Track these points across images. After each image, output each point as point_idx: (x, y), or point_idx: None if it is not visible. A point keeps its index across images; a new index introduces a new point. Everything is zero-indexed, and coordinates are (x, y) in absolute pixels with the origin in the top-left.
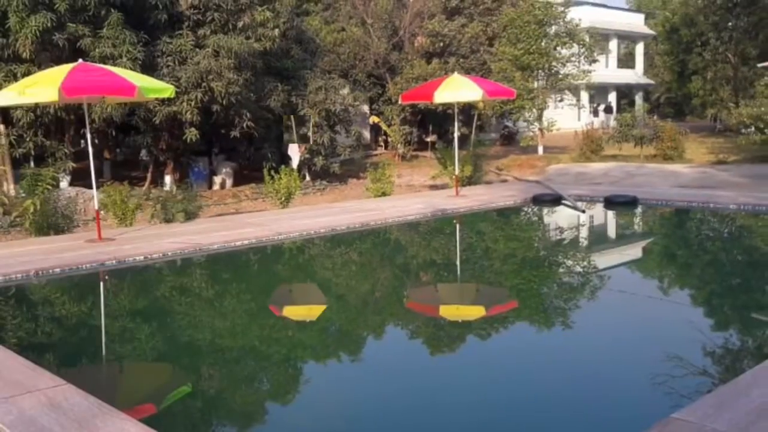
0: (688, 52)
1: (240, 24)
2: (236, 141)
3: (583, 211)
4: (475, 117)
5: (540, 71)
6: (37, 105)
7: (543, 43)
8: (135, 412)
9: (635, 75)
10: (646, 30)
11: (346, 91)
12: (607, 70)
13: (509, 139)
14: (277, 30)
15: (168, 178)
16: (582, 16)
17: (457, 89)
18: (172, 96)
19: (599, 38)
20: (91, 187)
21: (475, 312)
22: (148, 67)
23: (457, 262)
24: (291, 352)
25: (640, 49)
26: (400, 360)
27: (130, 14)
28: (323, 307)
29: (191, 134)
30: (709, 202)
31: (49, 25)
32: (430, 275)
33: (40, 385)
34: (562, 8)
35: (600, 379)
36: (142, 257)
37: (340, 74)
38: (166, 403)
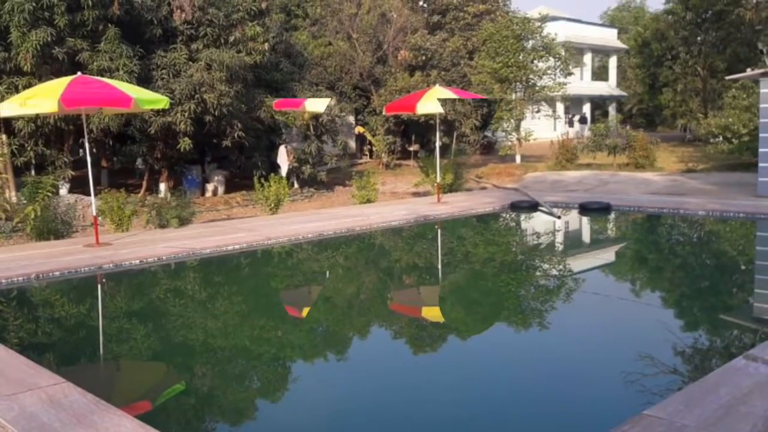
0: (659, 66)
1: (231, 38)
2: (228, 150)
3: (559, 217)
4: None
5: (518, 83)
6: (37, 116)
7: (520, 57)
8: (131, 408)
9: (608, 87)
10: (619, 44)
11: (332, 102)
12: (581, 83)
13: (488, 148)
14: (266, 44)
15: (162, 186)
16: (558, 31)
17: (438, 100)
18: (166, 107)
19: (574, 52)
20: (89, 195)
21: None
22: (144, 80)
23: (439, 266)
24: (280, 351)
25: (613, 62)
26: (384, 359)
27: (126, 29)
28: (312, 308)
29: (185, 144)
30: (679, 208)
31: (49, 39)
32: (413, 278)
33: (41, 383)
34: (539, 23)
35: (575, 377)
36: (137, 261)
37: (327, 86)
38: (161, 400)
